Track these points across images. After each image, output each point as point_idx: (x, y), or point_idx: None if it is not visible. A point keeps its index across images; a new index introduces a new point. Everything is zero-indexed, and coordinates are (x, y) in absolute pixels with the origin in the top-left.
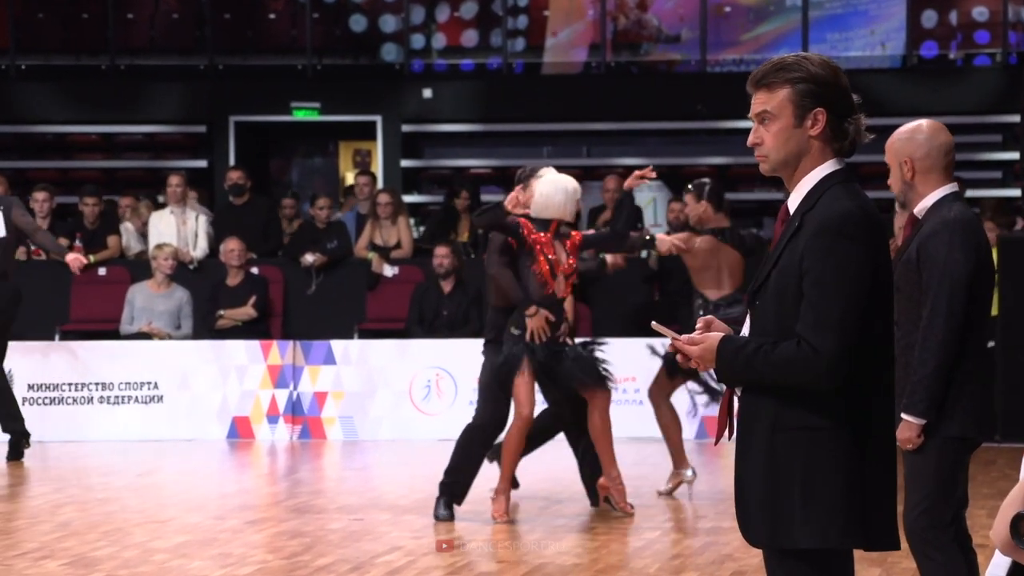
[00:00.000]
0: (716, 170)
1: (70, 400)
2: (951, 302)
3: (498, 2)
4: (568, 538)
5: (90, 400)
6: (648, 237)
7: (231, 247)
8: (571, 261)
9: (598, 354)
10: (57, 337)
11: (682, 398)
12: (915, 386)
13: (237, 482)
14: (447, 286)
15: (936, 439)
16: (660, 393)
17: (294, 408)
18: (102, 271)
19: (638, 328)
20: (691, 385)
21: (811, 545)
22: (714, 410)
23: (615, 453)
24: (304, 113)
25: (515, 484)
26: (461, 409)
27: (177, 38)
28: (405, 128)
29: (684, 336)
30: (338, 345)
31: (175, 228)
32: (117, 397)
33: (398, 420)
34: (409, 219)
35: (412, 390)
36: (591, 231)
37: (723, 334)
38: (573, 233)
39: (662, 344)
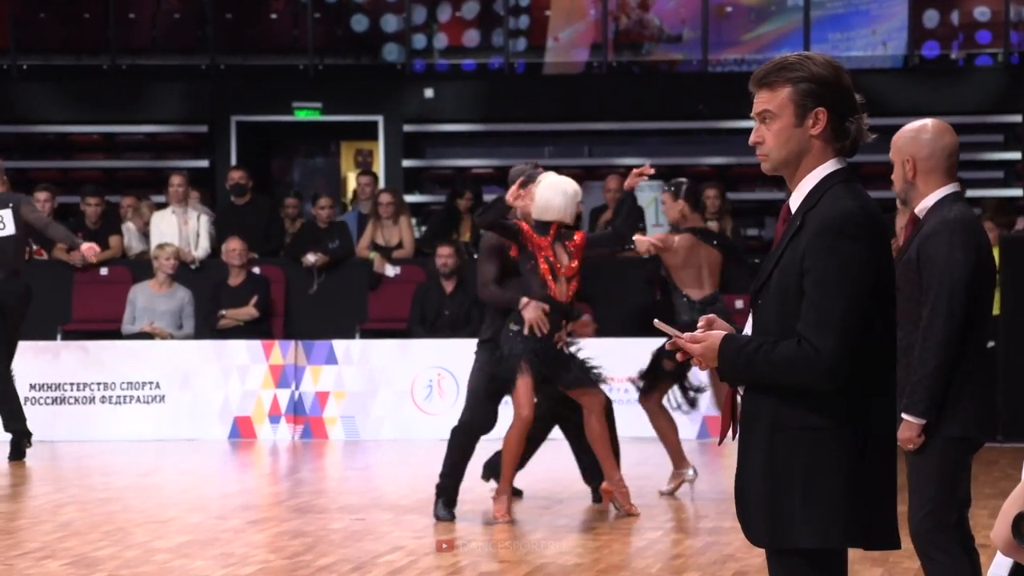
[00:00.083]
0: (717, 170)
1: (72, 400)
2: (951, 302)
3: (499, 2)
4: (569, 538)
5: (92, 400)
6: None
7: (233, 247)
8: (573, 264)
9: (581, 355)
10: (59, 337)
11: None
12: (915, 386)
13: (239, 482)
14: (449, 286)
15: (938, 440)
16: (651, 404)
17: (296, 408)
18: (104, 271)
19: (640, 328)
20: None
21: (812, 545)
22: (715, 410)
23: (615, 456)
24: (306, 113)
25: (517, 493)
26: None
27: (178, 38)
28: (407, 128)
29: (686, 335)
30: (340, 345)
31: (177, 228)
32: (119, 397)
33: (400, 420)
34: (411, 219)
35: (414, 390)
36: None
37: (725, 333)
38: (577, 233)
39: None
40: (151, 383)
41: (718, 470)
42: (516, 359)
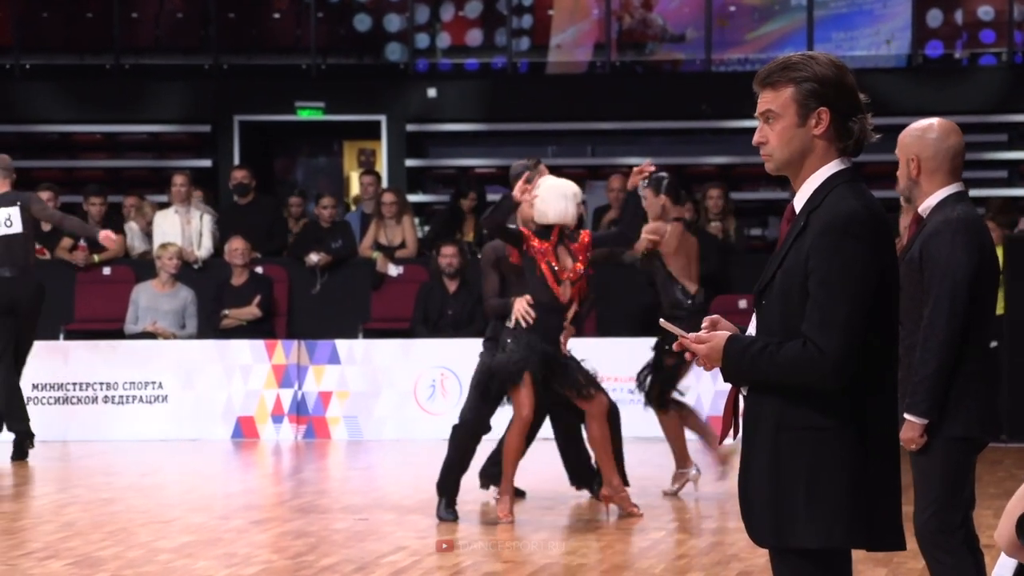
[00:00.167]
0: (721, 169)
1: (74, 400)
2: (953, 302)
3: (503, 1)
4: (573, 538)
5: (94, 400)
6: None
7: (235, 246)
8: (578, 266)
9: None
10: (62, 337)
11: (689, 397)
12: (917, 386)
13: (242, 482)
14: (452, 286)
15: (941, 440)
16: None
17: (299, 408)
18: (106, 271)
19: (644, 328)
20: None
21: (816, 545)
22: (718, 409)
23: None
24: (308, 112)
25: (520, 493)
26: None
27: (181, 37)
28: (409, 127)
29: (691, 335)
30: (343, 345)
31: (179, 228)
32: (121, 397)
33: (403, 420)
34: (414, 219)
35: (417, 390)
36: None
37: (729, 333)
38: (582, 232)
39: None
40: (154, 383)
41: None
42: (511, 357)
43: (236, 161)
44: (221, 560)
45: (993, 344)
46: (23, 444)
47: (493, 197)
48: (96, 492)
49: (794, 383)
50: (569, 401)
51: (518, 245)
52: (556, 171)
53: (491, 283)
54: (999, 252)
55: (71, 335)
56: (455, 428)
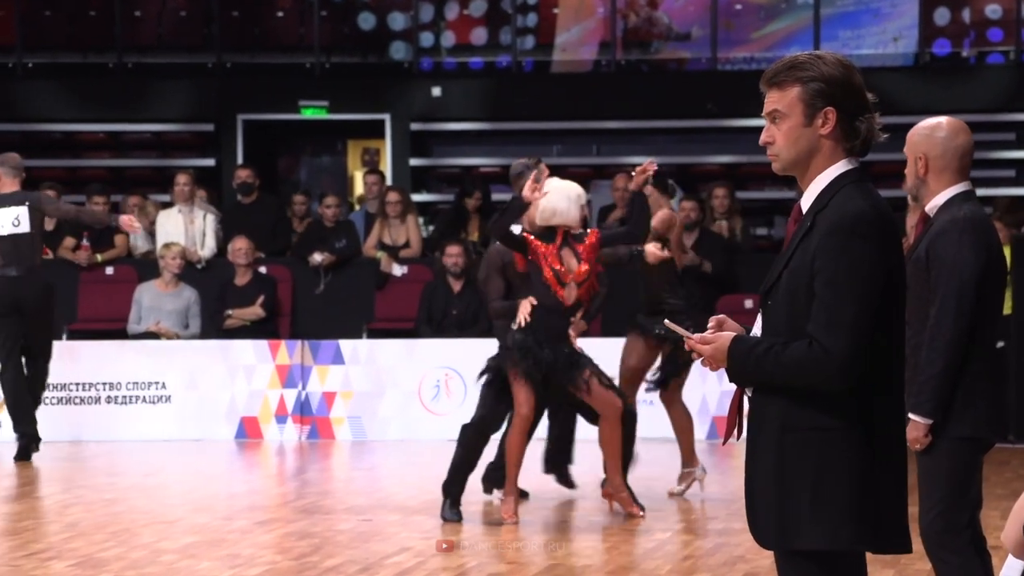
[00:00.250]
0: (726, 168)
1: (77, 400)
2: (960, 302)
3: (507, 0)
4: (578, 539)
5: (97, 400)
6: (636, 251)
7: (239, 246)
8: (583, 267)
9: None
10: (64, 337)
11: (695, 397)
12: (922, 386)
13: (245, 482)
14: (456, 285)
15: (948, 440)
16: (670, 394)
17: (302, 408)
18: (109, 270)
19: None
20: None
21: (821, 546)
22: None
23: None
24: (312, 111)
25: (524, 494)
26: (470, 409)
27: (185, 36)
28: (414, 126)
29: (696, 335)
30: (346, 345)
31: (183, 227)
32: (125, 397)
33: (407, 420)
34: (418, 218)
35: (421, 390)
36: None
37: (735, 334)
38: (591, 232)
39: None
40: (157, 383)
41: (727, 471)
42: (511, 355)
43: (240, 160)
44: (225, 561)
45: (1000, 344)
46: (28, 447)
47: (498, 196)
48: (99, 492)
49: (800, 384)
50: (583, 402)
51: (523, 251)
52: (561, 170)
53: (495, 286)
54: (1006, 252)
55: (74, 335)
56: (464, 428)
